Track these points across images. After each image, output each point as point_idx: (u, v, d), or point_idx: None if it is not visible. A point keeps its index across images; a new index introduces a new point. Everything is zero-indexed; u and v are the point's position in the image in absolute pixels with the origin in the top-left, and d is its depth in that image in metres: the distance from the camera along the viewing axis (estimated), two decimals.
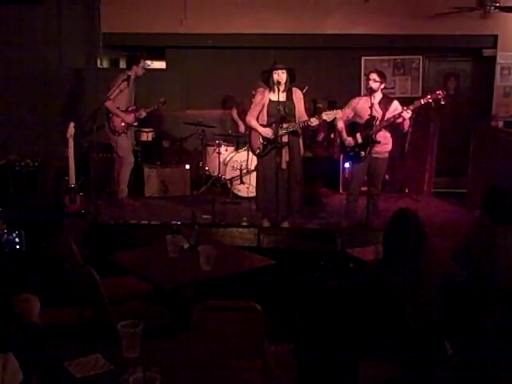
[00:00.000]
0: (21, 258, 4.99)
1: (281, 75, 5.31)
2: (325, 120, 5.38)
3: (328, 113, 5.34)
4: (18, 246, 5.02)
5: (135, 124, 6.62)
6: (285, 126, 5.37)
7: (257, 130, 5.52)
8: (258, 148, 5.58)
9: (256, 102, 5.59)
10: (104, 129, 6.48)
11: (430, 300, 2.76)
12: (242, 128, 7.34)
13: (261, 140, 5.52)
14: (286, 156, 5.44)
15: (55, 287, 4.17)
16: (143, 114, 6.56)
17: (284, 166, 5.43)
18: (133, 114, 6.49)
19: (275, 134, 5.34)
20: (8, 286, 2.04)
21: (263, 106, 5.48)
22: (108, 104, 6.27)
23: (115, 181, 6.69)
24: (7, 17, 7.65)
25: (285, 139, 5.41)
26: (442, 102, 5.42)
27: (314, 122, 5.34)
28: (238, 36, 7.78)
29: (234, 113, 7.57)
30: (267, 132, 5.44)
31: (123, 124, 6.44)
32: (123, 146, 6.54)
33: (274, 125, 5.37)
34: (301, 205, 5.76)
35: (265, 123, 5.48)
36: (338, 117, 5.43)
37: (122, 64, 8.58)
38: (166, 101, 6.70)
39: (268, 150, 5.50)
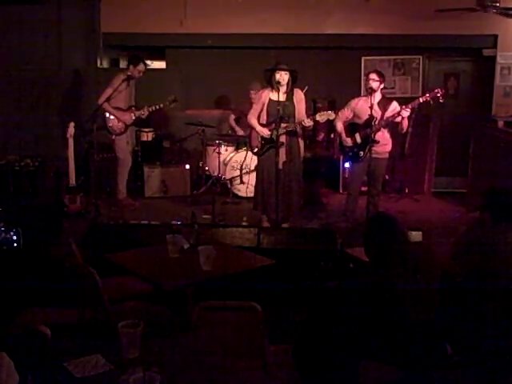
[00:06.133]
0: (18, 256, 4.99)
1: (283, 76, 5.31)
2: (318, 121, 5.39)
3: (321, 114, 5.36)
4: (15, 244, 5.02)
5: (133, 123, 6.60)
6: (283, 125, 5.37)
7: (254, 129, 5.53)
8: (257, 147, 5.59)
9: (256, 101, 5.61)
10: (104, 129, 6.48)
11: (429, 300, 2.76)
12: (240, 133, 7.29)
13: (259, 139, 5.54)
14: (283, 156, 5.44)
15: (55, 287, 4.17)
16: (145, 113, 6.52)
17: (281, 166, 5.43)
18: (131, 114, 6.48)
19: (273, 133, 5.35)
20: (5, 284, 2.03)
21: (263, 105, 5.49)
22: (104, 105, 6.25)
23: (114, 181, 6.69)
24: (7, 17, 7.65)
25: (282, 139, 5.40)
26: (441, 100, 5.41)
27: (308, 122, 5.35)
28: (237, 36, 7.77)
29: (232, 119, 7.48)
30: (264, 131, 5.45)
31: (120, 124, 6.43)
32: (120, 147, 6.53)
33: (273, 124, 5.38)
34: (301, 205, 5.76)
35: (265, 122, 5.49)
36: (331, 118, 5.41)
37: (122, 64, 8.59)
38: (176, 98, 6.53)
39: (266, 149, 5.50)
